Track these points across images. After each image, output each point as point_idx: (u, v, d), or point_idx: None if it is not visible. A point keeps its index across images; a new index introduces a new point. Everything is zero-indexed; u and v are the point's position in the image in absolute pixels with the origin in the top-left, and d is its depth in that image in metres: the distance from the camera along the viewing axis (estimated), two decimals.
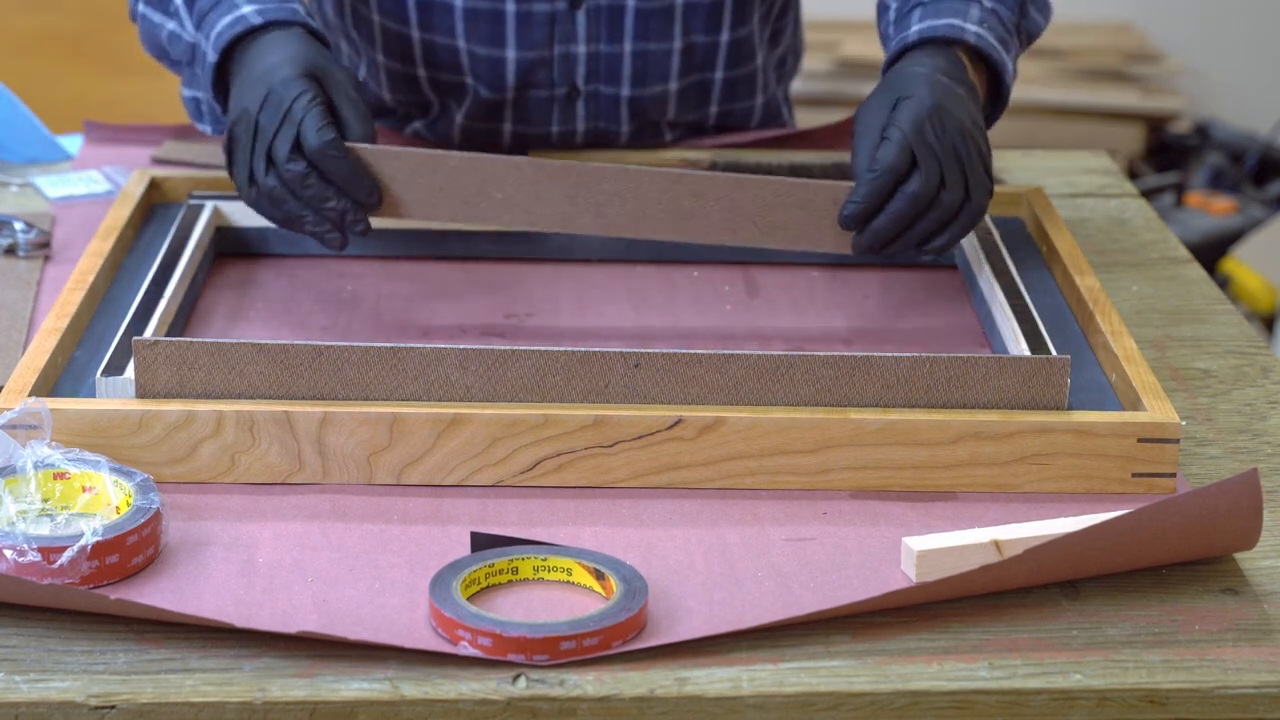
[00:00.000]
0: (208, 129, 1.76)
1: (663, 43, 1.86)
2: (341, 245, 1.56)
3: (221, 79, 1.65)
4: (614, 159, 1.87)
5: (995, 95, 1.69)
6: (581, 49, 1.85)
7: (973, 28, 1.64)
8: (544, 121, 1.89)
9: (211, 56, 1.63)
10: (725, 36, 1.88)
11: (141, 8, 1.74)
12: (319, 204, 1.54)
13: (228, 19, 1.63)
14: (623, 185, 1.57)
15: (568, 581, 1.26)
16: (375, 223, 1.68)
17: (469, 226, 1.71)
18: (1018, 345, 1.50)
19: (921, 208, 1.55)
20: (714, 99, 1.93)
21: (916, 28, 1.65)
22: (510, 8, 1.82)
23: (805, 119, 2.12)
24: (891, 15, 1.71)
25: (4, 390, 1.39)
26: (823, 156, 1.87)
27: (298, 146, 1.53)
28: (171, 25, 1.71)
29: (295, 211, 1.54)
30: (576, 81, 1.86)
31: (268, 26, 1.62)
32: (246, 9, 1.63)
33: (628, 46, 1.85)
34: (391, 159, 1.56)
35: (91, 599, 1.21)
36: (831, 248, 1.58)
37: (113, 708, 1.15)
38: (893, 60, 1.65)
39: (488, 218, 1.59)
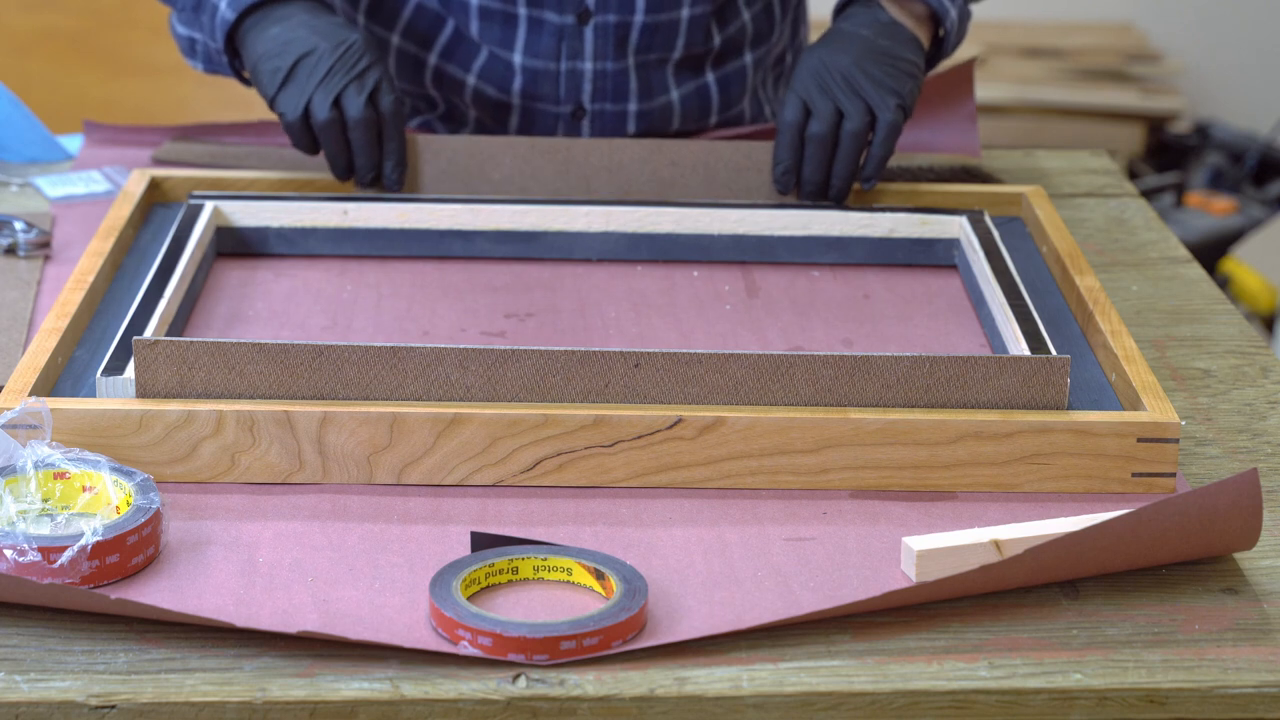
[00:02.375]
0: (199, 66, 1.88)
1: (664, 53, 1.87)
2: (345, 178, 1.74)
3: (229, 36, 1.77)
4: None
5: (937, 45, 1.82)
6: (588, 66, 1.85)
7: None
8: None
9: (228, 15, 1.75)
10: (716, 38, 1.90)
11: None
12: (361, 152, 1.72)
13: None
14: (608, 158, 1.76)
15: (568, 581, 1.26)
16: (374, 222, 1.70)
17: (469, 226, 1.71)
18: (1018, 345, 1.50)
19: (829, 145, 1.72)
20: (714, 107, 1.93)
21: None
22: (522, 11, 1.83)
23: None
24: None
25: (4, 390, 1.39)
26: None
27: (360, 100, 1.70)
28: None
29: (333, 148, 1.71)
30: (583, 100, 1.87)
31: None
32: None
33: (632, 61, 1.86)
34: (409, 142, 1.77)
35: (91, 599, 1.21)
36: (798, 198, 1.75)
37: (113, 708, 1.15)
38: (836, 14, 1.84)
39: (486, 194, 1.77)
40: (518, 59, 1.85)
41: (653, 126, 1.90)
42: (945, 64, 2.05)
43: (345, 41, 1.72)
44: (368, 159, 1.72)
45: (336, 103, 1.70)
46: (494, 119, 1.90)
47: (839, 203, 1.74)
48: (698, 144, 1.75)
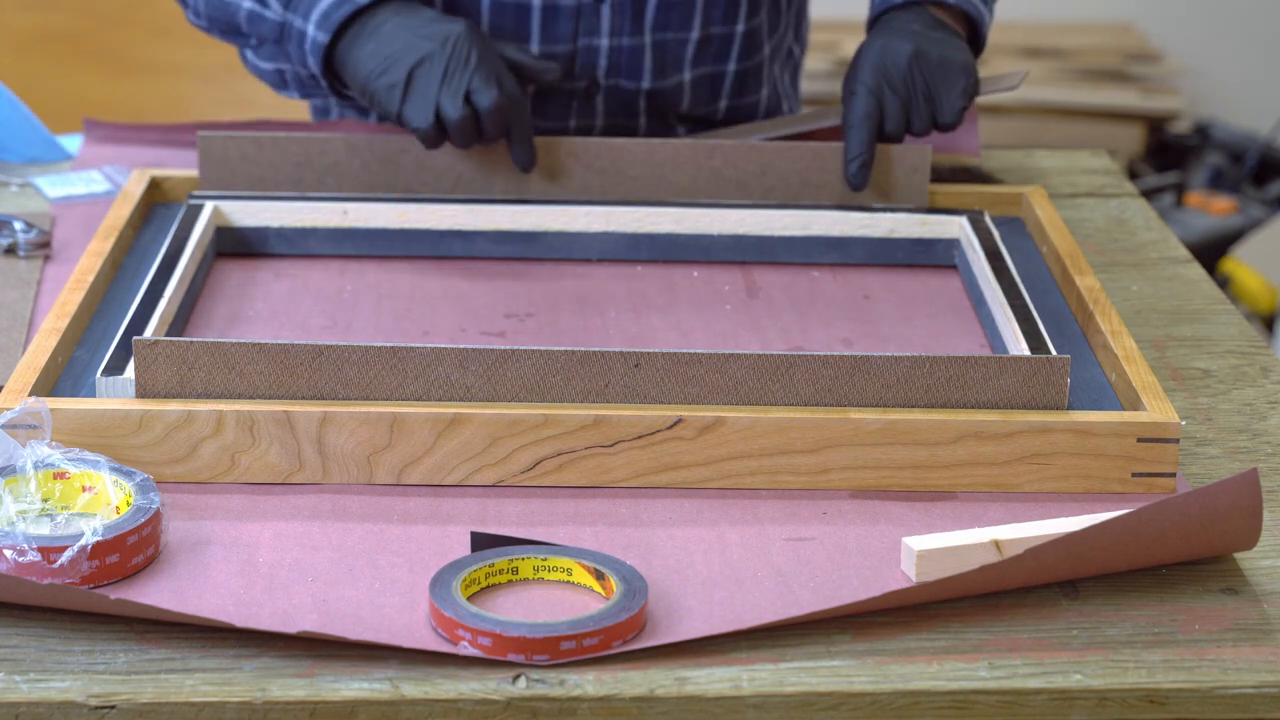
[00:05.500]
0: (294, 95, 1.87)
1: (681, 32, 1.87)
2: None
3: (326, 56, 1.74)
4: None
5: (974, 43, 1.87)
6: (604, 42, 1.85)
7: None
8: (562, 115, 1.89)
9: (321, 37, 1.72)
10: (740, 27, 1.90)
11: None
12: (493, 139, 1.70)
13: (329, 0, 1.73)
14: (605, 160, 1.75)
15: (568, 581, 1.26)
16: (374, 222, 1.71)
17: (469, 226, 1.71)
18: (1018, 345, 1.50)
19: (899, 140, 1.77)
20: (724, 92, 1.94)
21: None
22: (536, 0, 1.83)
23: None
24: None
25: (4, 390, 1.39)
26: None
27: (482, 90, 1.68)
28: (250, 4, 1.78)
29: (464, 140, 1.68)
30: (597, 76, 1.87)
31: (375, 4, 1.72)
32: None
33: (648, 38, 1.86)
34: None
35: (91, 599, 1.21)
36: (760, 196, 1.77)
37: (113, 708, 1.15)
38: (872, 22, 1.83)
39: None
40: (534, 47, 1.85)
41: (662, 105, 1.90)
42: None
43: (451, 36, 1.69)
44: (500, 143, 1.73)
45: (467, 99, 1.68)
46: None
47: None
48: (689, 144, 1.76)
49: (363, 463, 1.37)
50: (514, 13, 1.84)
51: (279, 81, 1.86)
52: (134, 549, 1.26)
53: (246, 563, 1.28)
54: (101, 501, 1.31)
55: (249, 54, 1.86)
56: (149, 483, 1.30)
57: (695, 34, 1.88)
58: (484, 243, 1.72)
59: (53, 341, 1.45)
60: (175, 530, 1.31)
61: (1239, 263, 3.75)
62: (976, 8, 1.84)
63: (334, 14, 1.72)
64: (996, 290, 1.58)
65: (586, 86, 1.88)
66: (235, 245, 1.71)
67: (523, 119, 1.71)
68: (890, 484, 1.39)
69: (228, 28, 1.81)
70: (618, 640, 1.20)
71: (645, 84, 1.89)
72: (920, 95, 1.74)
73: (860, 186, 1.74)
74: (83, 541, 1.24)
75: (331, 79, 1.75)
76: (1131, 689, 1.19)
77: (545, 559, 1.26)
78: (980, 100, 2.65)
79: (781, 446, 1.38)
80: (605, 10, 1.84)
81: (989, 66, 4.03)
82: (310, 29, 1.73)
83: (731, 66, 1.92)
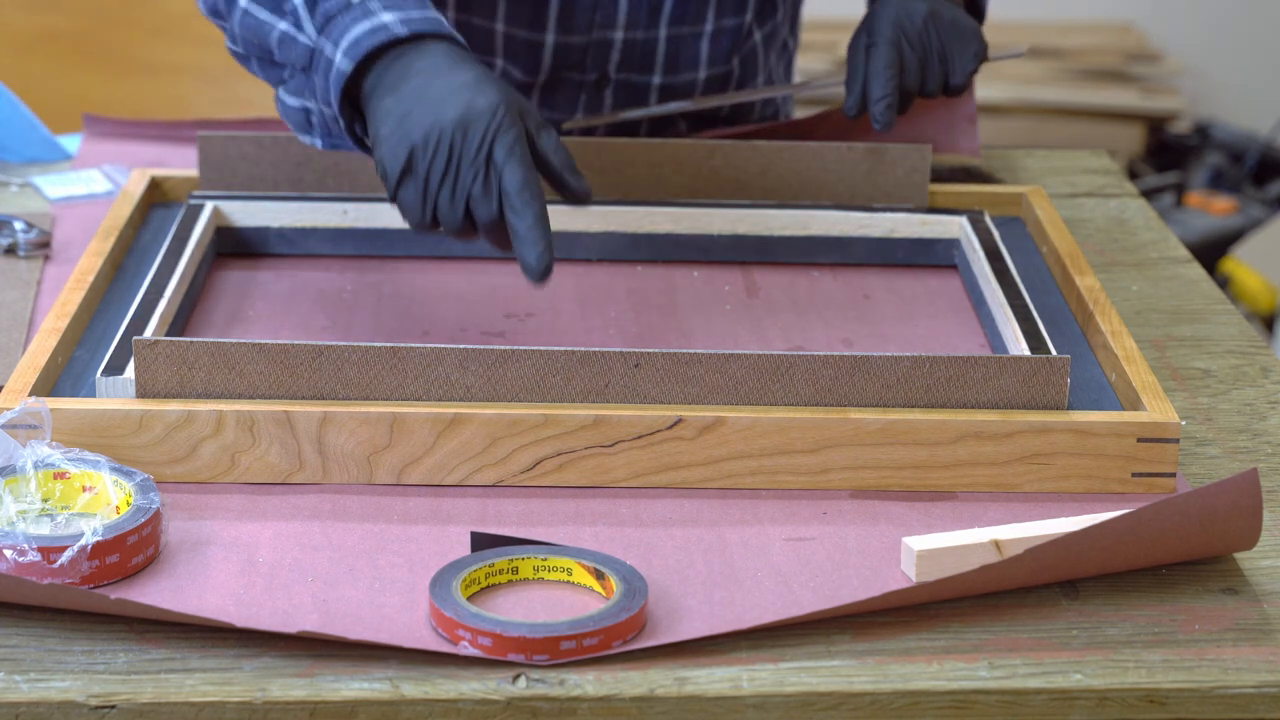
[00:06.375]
0: (317, 143, 1.57)
1: (695, 25, 1.87)
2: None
3: (348, 91, 1.50)
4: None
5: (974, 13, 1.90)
6: (619, 35, 1.85)
7: None
8: (570, 107, 1.89)
9: (345, 65, 1.47)
10: (749, 17, 1.90)
11: (245, 3, 1.54)
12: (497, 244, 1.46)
13: (364, 26, 1.47)
14: (604, 159, 1.73)
15: (568, 581, 1.26)
16: (374, 222, 1.70)
17: None
18: (1018, 345, 1.50)
19: (913, 97, 1.77)
20: (731, 86, 1.94)
21: None
22: None
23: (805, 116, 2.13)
24: None
25: (4, 390, 1.39)
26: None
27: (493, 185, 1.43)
28: (284, 25, 1.53)
29: (464, 239, 1.46)
30: (608, 69, 1.87)
31: (414, 39, 1.47)
32: (386, 17, 1.47)
33: (663, 32, 1.86)
34: None
35: (91, 599, 1.21)
36: (760, 196, 1.77)
37: (113, 708, 1.15)
38: None
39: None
40: (550, 38, 1.84)
41: (675, 99, 1.90)
42: None
43: (472, 118, 1.43)
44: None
45: (467, 209, 1.44)
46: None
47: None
48: (687, 144, 1.75)
49: (363, 463, 1.37)
50: (531, 3, 1.83)
51: (304, 123, 1.57)
52: (134, 549, 1.26)
53: (246, 563, 1.28)
54: (101, 501, 1.31)
55: (280, 91, 1.60)
56: (149, 483, 1.30)
57: (709, 27, 1.88)
58: (484, 243, 1.72)
59: (53, 341, 1.45)
60: (175, 530, 1.31)
61: (1239, 263, 3.75)
62: None
63: (365, 41, 1.47)
64: (996, 290, 1.58)
65: (597, 79, 1.88)
66: (235, 245, 1.71)
67: (532, 221, 1.42)
68: (890, 484, 1.39)
69: (262, 53, 1.57)
70: (618, 640, 1.20)
71: (656, 79, 1.89)
72: (935, 54, 1.76)
73: (888, 126, 1.72)
74: (83, 541, 1.24)
75: (350, 117, 1.51)
76: (1131, 689, 1.19)
77: (545, 559, 1.26)
78: (980, 101, 2.65)
79: (781, 446, 1.38)
80: (623, 2, 1.84)
81: (989, 67, 4.03)
82: (338, 56, 1.48)
83: (736, 59, 1.93)
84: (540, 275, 1.41)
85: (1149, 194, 3.90)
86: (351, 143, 1.51)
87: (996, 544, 1.27)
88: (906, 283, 1.71)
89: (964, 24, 1.79)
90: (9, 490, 1.30)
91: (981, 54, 1.79)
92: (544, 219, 1.41)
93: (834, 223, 1.73)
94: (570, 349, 1.38)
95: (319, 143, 1.56)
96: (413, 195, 1.44)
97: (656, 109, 1.87)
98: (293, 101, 1.56)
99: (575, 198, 1.47)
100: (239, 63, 1.61)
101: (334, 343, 1.38)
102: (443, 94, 1.44)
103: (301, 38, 1.52)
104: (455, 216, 1.43)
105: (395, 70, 1.46)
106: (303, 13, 1.51)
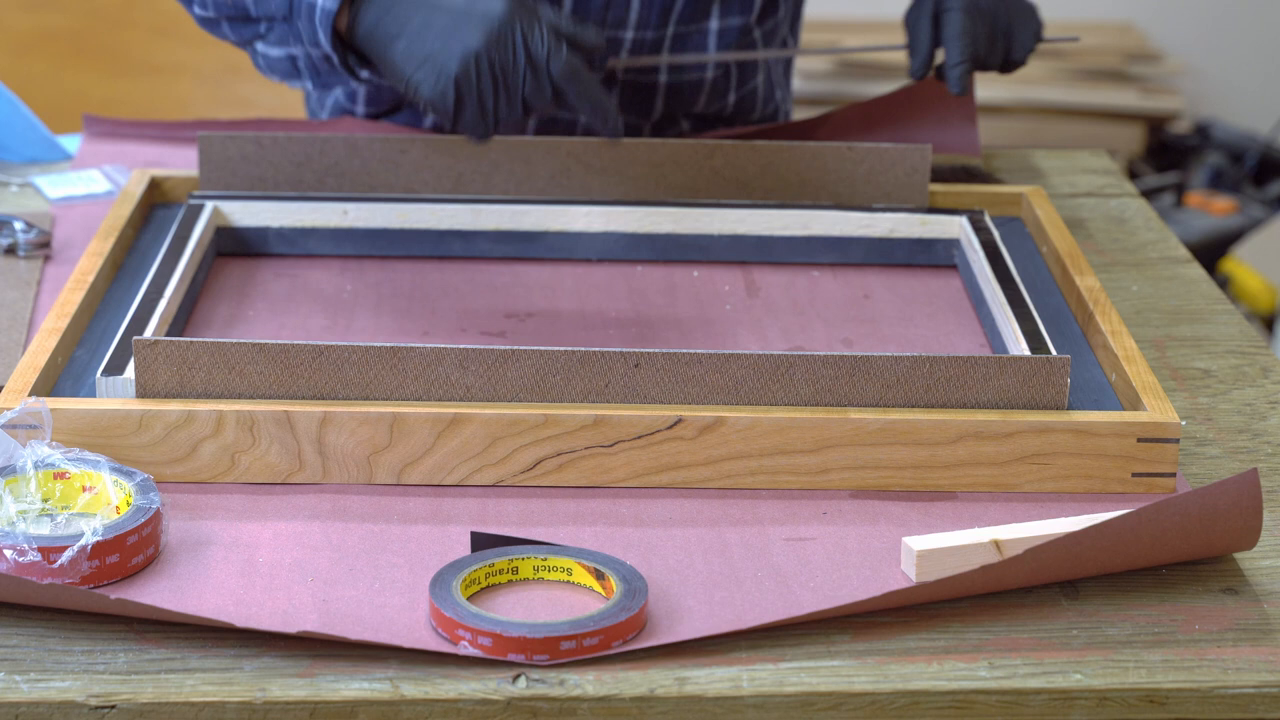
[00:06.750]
0: (308, 85, 1.70)
1: (702, 23, 1.87)
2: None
3: (341, 28, 1.60)
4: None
5: None
6: (629, 35, 1.85)
7: None
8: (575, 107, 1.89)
9: (330, 4, 1.57)
10: (753, 17, 1.90)
11: None
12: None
13: None
14: (607, 160, 1.74)
15: (568, 581, 1.26)
16: (374, 222, 1.70)
17: (469, 226, 1.71)
18: (1018, 345, 1.50)
19: (981, 68, 1.81)
20: (733, 85, 1.94)
21: None
22: None
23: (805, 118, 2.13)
24: None
25: (4, 390, 1.39)
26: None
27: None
28: None
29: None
30: (616, 69, 1.87)
31: None
32: None
33: (670, 31, 1.86)
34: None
35: (91, 599, 1.21)
36: (760, 196, 1.77)
37: (113, 708, 1.15)
38: None
39: (496, 190, 1.75)
40: None
41: (677, 101, 1.90)
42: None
43: (493, 25, 1.53)
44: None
45: (524, 107, 1.57)
46: None
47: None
48: (691, 144, 1.75)
49: (363, 463, 1.37)
50: (544, 2, 1.82)
51: (291, 70, 1.72)
52: (134, 549, 1.26)
53: (246, 563, 1.28)
54: (101, 501, 1.31)
55: (259, 46, 1.73)
56: (149, 483, 1.30)
57: (715, 24, 1.88)
58: (484, 243, 1.72)
59: (53, 341, 1.45)
60: (175, 530, 1.31)
61: (1239, 263, 3.75)
62: None
63: None
64: (996, 290, 1.58)
65: (605, 78, 1.88)
66: (235, 245, 1.71)
67: (585, 89, 1.58)
68: (890, 484, 1.39)
69: (235, 12, 1.67)
70: (618, 640, 1.20)
71: (664, 78, 1.89)
72: (1000, 29, 1.79)
73: (965, 90, 1.78)
74: (83, 541, 1.24)
75: (344, 54, 1.61)
76: (1131, 689, 1.19)
77: (545, 559, 1.26)
78: (980, 100, 2.66)
79: (781, 446, 1.38)
80: (635, 2, 1.84)
81: None
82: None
83: (734, 62, 1.93)
84: (618, 134, 1.59)
85: (1149, 194, 3.90)
86: (347, 77, 1.60)
87: (996, 544, 1.27)
88: (906, 283, 1.71)
89: (1025, 1, 1.82)
90: (9, 490, 1.30)
91: (1039, 33, 1.82)
92: (597, 89, 1.57)
93: (834, 223, 1.73)
94: (570, 349, 1.38)
95: (309, 84, 1.68)
96: (473, 119, 1.56)
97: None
98: (276, 52, 1.66)
99: (589, 50, 1.60)
100: (206, 29, 1.70)
101: (334, 343, 1.38)
102: (454, 22, 1.52)
103: None
104: (515, 115, 1.56)
105: (382, 5, 1.55)
106: None
